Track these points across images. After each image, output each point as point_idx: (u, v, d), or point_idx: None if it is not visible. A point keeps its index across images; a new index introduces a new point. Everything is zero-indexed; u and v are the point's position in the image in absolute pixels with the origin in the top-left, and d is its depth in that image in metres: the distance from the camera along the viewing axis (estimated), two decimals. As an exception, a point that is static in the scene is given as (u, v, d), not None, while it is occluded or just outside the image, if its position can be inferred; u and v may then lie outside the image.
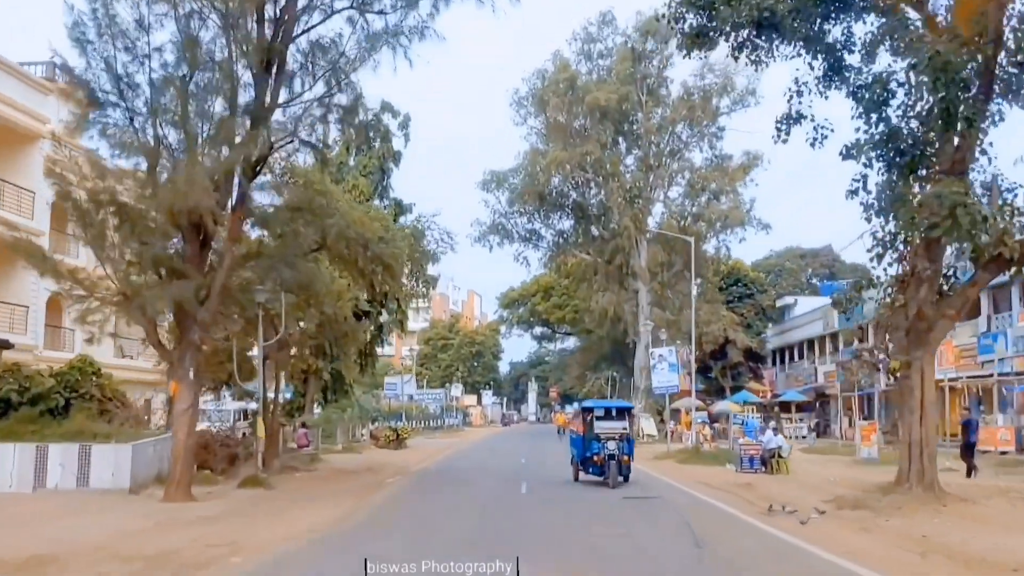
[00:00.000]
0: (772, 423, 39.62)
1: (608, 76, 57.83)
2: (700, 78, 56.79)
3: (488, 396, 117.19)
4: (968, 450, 25.83)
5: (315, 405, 50.23)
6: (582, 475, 25.13)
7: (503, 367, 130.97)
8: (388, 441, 47.46)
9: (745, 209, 56.46)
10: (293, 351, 36.54)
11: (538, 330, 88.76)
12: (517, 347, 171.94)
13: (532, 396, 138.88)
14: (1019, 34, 16.88)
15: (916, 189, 18.64)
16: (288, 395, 51.95)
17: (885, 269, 19.19)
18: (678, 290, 59.97)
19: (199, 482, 24.23)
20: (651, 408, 58.60)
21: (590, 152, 55.75)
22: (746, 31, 18.61)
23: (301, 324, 36.43)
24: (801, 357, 69.95)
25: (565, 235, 62.28)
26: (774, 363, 74.49)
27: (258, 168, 22.66)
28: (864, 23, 19.26)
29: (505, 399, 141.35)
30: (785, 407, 60.38)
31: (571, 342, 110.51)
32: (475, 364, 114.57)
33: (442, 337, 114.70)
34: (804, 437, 54.97)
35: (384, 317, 48.99)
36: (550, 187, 59.96)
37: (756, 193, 60.03)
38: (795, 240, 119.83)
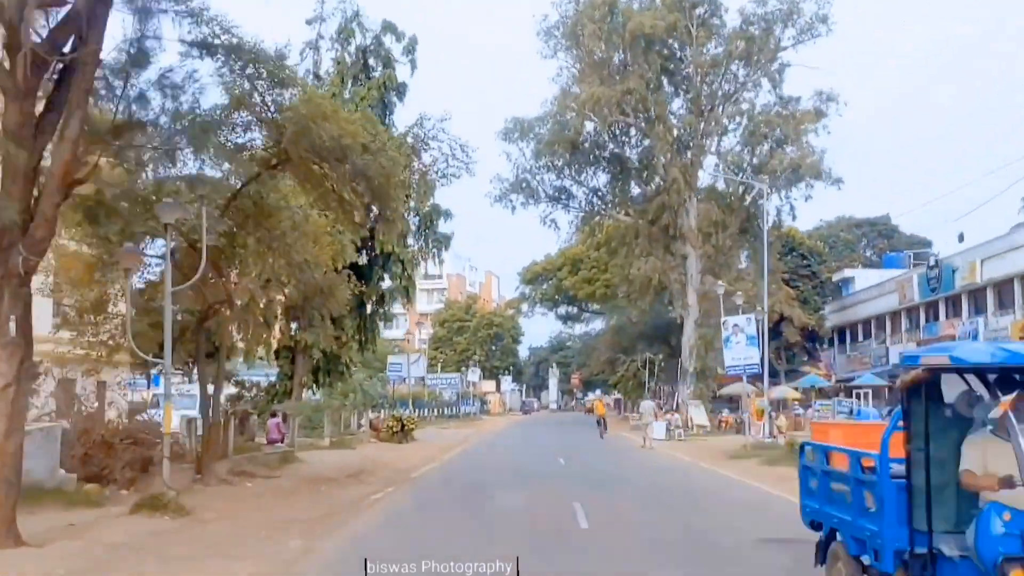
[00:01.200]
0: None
1: (653, 2, 48.57)
2: (760, 3, 47.49)
3: (507, 382, 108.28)
4: None
5: (307, 390, 41.54)
6: None
7: (522, 352, 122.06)
8: (391, 433, 38.72)
9: (818, 160, 47.13)
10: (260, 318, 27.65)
11: (563, 310, 79.61)
12: (537, 331, 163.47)
13: (553, 383, 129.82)
14: None
15: None
16: (271, 378, 43.49)
17: None
18: (734, 255, 50.86)
19: (78, 502, 15.53)
20: (702, 395, 49.66)
21: (632, 90, 46.57)
22: None
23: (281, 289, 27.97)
24: (867, 336, 60.89)
25: (600, 193, 53.12)
26: (831, 344, 65.46)
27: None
28: None
29: (524, 386, 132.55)
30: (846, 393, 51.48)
31: (597, 324, 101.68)
32: (493, 348, 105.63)
33: (458, 319, 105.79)
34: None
35: (386, 283, 40.13)
36: (583, 136, 50.83)
37: (827, 143, 50.24)
38: (844, 209, 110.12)
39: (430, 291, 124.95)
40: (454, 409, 74.09)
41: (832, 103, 47.46)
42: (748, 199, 49.73)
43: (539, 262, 74.91)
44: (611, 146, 51.47)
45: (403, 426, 38.51)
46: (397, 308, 47.09)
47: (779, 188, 49.44)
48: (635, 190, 53.17)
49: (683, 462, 30.31)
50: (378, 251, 38.90)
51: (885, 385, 50.74)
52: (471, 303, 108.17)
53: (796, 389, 56.27)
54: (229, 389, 47.03)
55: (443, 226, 40.78)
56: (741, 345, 30.50)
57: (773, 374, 62.88)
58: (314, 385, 40.44)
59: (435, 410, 70.98)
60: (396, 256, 38.52)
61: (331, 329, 39.37)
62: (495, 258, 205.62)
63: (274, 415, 29.04)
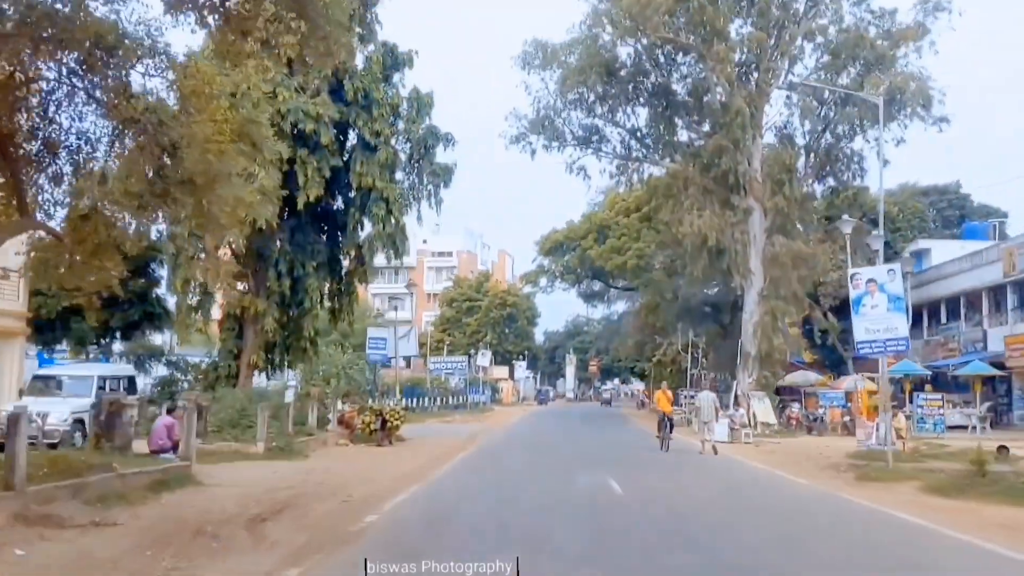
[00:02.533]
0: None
1: None
2: None
3: (521, 369, 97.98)
4: None
5: (260, 372, 31.55)
6: None
7: (537, 336, 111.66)
8: (368, 432, 28.54)
9: (924, 84, 36.53)
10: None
11: (586, 287, 69.04)
12: (554, 312, 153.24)
13: (570, 370, 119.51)
14: None
15: None
16: (211, 357, 33.62)
17: None
18: (808, 210, 40.45)
19: None
20: (768, 385, 39.40)
21: (684, -2, 36.16)
22: None
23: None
24: (953, 317, 50.48)
25: (640, 134, 42.59)
26: (904, 326, 54.97)
27: None
28: None
29: (540, 373, 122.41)
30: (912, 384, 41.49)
31: (620, 306, 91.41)
32: (507, 331, 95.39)
33: (468, 298, 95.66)
34: (975, 427, 36.03)
35: (367, 229, 30.03)
36: (621, 63, 40.48)
37: (932, 66, 38.50)
38: (902, 174, 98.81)
39: (438, 269, 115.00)
40: (461, 398, 64.06)
41: (941, 13, 36.88)
42: (828, 138, 39.31)
43: (560, 230, 64.56)
44: (654, 76, 40.97)
45: (384, 422, 28.33)
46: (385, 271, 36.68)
47: (865, 126, 39.01)
48: (683, 135, 42.72)
49: (788, 483, 20.20)
50: (354, 187, 28.77)
51: (990, 375, 40.49)
52: (483, 280, 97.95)
53: (873, 379, 46.04)
54: (160, 371, 37.14)
55: (442, 155, 30.62)
56: (880, 309, 20.02)
57: (836, 362, 52.72)
58: (271, 367, 30.48)
59: (439, 400, 60.99)
60: (379, 193, 28.39)
61: (310, 298, 29.49)
62: (510, 237, 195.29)
63: (171, 411, 18.84)
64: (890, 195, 66.33)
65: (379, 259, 30.60)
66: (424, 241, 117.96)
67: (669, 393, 28.99)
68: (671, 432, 28.82)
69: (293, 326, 30.14)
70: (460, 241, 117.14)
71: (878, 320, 20.80)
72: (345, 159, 29.53)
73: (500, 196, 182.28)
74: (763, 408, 38.11)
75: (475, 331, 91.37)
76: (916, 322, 53.97)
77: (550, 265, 64.91)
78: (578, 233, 62.57)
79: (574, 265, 62.83)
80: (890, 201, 60.87)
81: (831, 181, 40.89)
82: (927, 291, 51.88)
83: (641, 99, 41.66)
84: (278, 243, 29.03)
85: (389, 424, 28.51)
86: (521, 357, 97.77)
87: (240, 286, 29.87)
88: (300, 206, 27.87)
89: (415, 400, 53.62)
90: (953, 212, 68.19)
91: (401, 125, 29.86)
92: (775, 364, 39.44)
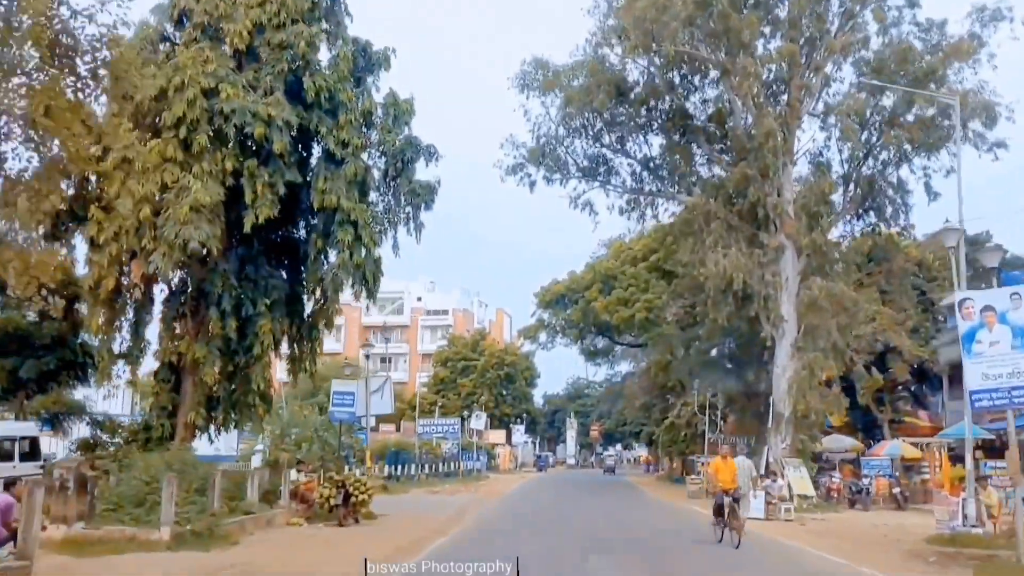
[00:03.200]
0: None
1: None
2: None
3: (519, 433, 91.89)
4: None
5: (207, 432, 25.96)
6: None
7: (536, 399, 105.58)
8: (327, 507, 22.88)
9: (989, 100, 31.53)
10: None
11: (589, 343, 63.42)
12: (552, 375, 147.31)
13: (571, 435, 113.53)
14: None
15: None
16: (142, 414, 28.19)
17: None
18: (850, 251, 35.24)
19: None
20: (804, 451, 33.77)
21: (707, 2, 31.39)
22: None
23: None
24: (1000, 376, 44.94)
25: (653, 165, 37.50)
26: (934, 386, 49.59)
27: None
28: None
29: (538, 438, 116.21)
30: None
31: (623, 367, 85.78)
32: (504, 392, 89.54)
33: (463, 357, 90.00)
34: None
35: (331, 258, 24.72)
36: (630, 81, 35.67)
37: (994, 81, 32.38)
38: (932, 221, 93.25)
39: (433, 328, 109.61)
40: (453, 465, 58.12)
41: (998, 24, 32.10)
42: (872, 165, 34.33)
43: (561, 281, 59.23)
44: (669, 99, 36.06)
45: (347, 496, 22.67)
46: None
47: (910, 153, 34.05)
48: (702, 167, 37.69)
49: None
50: (316, 207, 23.67)
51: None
52: (479, 338, 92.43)
53: (918, 446, 40.41)
54: (82, 431, 31.44)
55: (423, 171, 25.54)
56: (1001, 346, 14.73)
57: (871, 425, 47.13)
58: (211, 425, 24.99)
59: (428, 466, 55.04)
60: (345, 215, 23.23)
61: (261, 344, 24.09)
62: (508, 296, 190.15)
63: (8, 487, 13.32)
64: (919, 243, 61.47)
65: (346, 295, 25.13)
66: (419, 299, 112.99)
67: (733, 462, 21.97)
68: (739, 518, 20.32)
69: (240, 377, 24.66)
70: (456, 299, 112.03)
71: (1000, 361, 15.36)
72: (306, 175, 24.43)
73: (498, 250, 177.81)
74: (800, 478, 32.43)
75: (470, 392, 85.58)
76: (950, 380, 48.58)
77: (550, 319, 59.51)
78: (581, 284, 57.31)
79: (576, 319, 57.46)
80: (921, 247, 55.90)
81: (872, 217, 35.75)
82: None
83: (654, 125, 36.74)
84: (222, 276, 23.73)
85: (354, 498, 22.85)
86: (519, 420, 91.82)
87: (176, 325, 24.58)
88: (248, 228, 22.64)
89: (399, 467, 47.77)
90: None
91: (374, 135, 24.77)
92: (812, 427, 33.86)
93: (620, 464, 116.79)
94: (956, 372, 47.00)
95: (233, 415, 24.97)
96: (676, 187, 36.86)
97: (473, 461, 65.59)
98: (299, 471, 23.80)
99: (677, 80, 35.93)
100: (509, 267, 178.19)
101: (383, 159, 24.92)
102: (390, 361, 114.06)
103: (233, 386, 24.90)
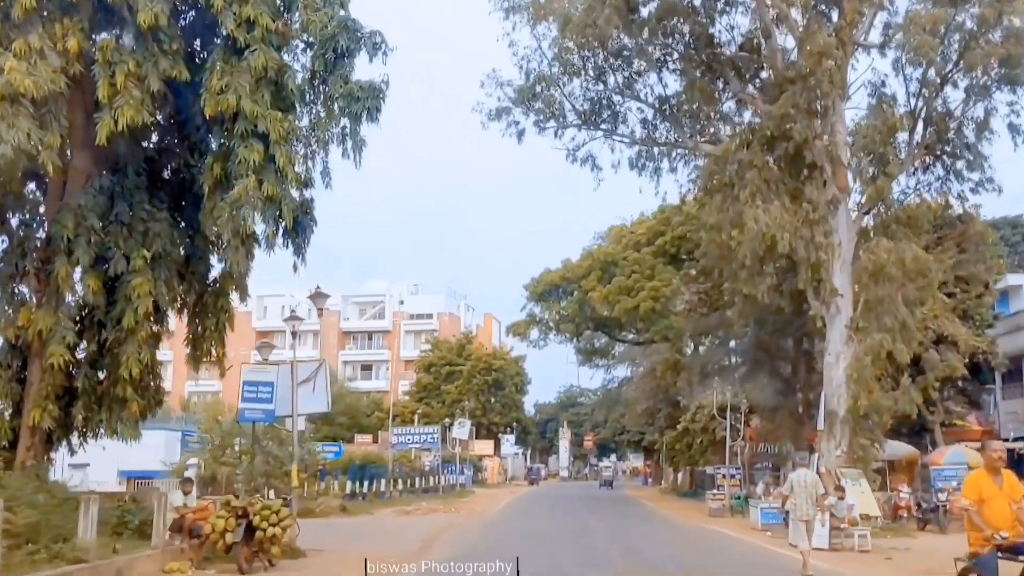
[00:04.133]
0: None
1: None
2: None
3: (508, 444, 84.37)
4: None
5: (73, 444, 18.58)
6: None
7: (527, 407, 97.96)
8: (223, 547, 15.53)
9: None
10: None
11: (587, 339, 55.95)
12: (543, 381, 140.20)
13: (564, 445, 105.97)
14: None
15: None
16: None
17: None
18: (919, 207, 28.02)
19: None
20: (865, 460, 26.46)
21: None
22: None
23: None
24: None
25: (670, 108, 30.11)
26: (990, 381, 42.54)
27: None
28: None
29: (530, 449, 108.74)
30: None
31: (619, 372, 78.44)
32: (492, 400, 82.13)
33: (448, 362, 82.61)
34: None
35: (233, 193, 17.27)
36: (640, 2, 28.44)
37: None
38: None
39: (417, 333, 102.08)
40: (432, 480, 50.81)
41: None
42: (938, 102, 27.17)
43: (555, 270, 51.93)
44: (690, 26, 28.78)
45: (250, 524, 15.29)
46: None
47: (977, 92, 26.94)
48: (730, 113, 30.45)
49: None
50: (208, 114, 16.34)
51: None
52: (465, 342, 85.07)
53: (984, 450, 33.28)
54: None
55: (367, 68, 18.28)
56: None
57: (918, 428, 39.94)
58: (68, 427, 17.56)
59: (404, 482, 47.66)
60: (250, 124, 15.85)
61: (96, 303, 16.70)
62: (497, 301, 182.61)
63: None
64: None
65: (259, 237, 17.70)
66: (401, 303, 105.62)
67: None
68: None
69: (109, 360, 17.32)
70: (441, 303, 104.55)
71: None
72: (199, 73, 17.11)
73: (486, 251, 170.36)
74: (861, 493, 25.13)
75: (456, 400, 78.08)
76: (1009, 376, 41.65)
77: (543, 314, 52.22)
78: (577, 273, 49.97)
79: (572, 312, 50.14)
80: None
81: (939, 169, 28.55)
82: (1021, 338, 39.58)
83: (671, 61, 29.48)
84: (76, 215, 16.44)
85: (260, 532, 15.47)
86: (509, 430, 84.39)
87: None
88: (103, 139, 15.38)
89: (367, 483, 40.33)
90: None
91: (298, 16, 17.46)
92: (873, 429, 26.61)
93: (616, 476, 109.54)
94: (1016, 367, 40.45)
95: (100, 414, 17.56)
96: (699, 135, 29.58)
97: (457, 475, 58.26)
98: (185, 492, 16.43)
99: (698, 1, 28.74)
100: (499, 270, 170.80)
101: (308, 50, 17.61)
102: (371, 368, 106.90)
103: (100, 373, 17.57)
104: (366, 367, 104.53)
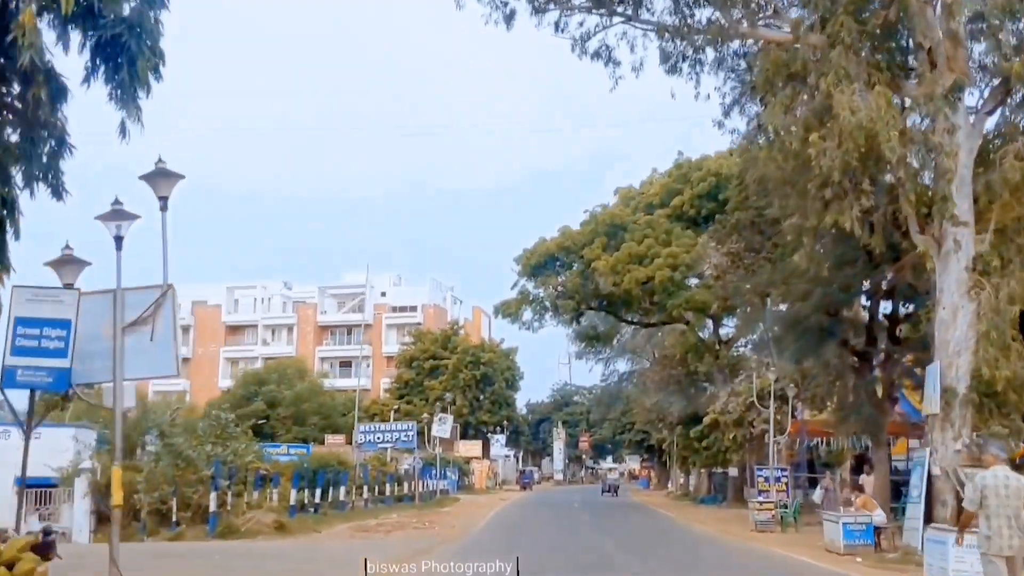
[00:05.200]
0: None
1: None
2: None
3: (498, 444, 76.12)
4: None
5: None
6: None
7: (519, 406, 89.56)
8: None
9: None
10: None
11: (588, 321, 47.66)
12: (535, 380, 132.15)
13: (558, 447, 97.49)
14: None
15: None
16: None
17: None
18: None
19: None
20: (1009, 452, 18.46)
21: None
22: None
23: None
24: None
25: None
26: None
27: None
28: None
29: (522, 451, 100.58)
30: None
31: (622, 365, 70.56)
32: (480, 396, 74.03)
33: (432, 355, 74.53)
34: None
35: None
36: None
37: None
38: None
39: (400, 327, 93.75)
40: (409, 486, 42.80)
41: None
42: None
43: (552, 239, 43.80)
44: None
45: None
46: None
47: None
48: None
49: None
50: None
51: None
52: (450, 334, 77.05)
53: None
54: None
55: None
56: None
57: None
58: None
59: (373, 489, 39.59)
60: None
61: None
62: (488, 295, 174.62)
63: None
64: None
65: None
66: (383, 294, 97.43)
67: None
68: None
69: None
70: (426, 294, 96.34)
71: None
72: None
73: (479, 243, 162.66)
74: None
75: (440, 396, 69.90)
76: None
77: (537, 291, 44.19)
78: (578, 241, 41.90)
79: (573, 287, 42.11)
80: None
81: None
82: None
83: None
84: None
85: None
86: (499, 430, 76.24)
87: None
88: None
89: (323, 492, 32.13)
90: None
91: None
92: (1011, 412, 18.67)
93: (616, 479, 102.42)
94: None
95: None
96: (752, 20, 21.52)
97: (438, 479, 50.19)
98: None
99: None
100: (493, 264, 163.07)
101: None
102: (350, 365, 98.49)
103: None
104: (345, 364, 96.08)
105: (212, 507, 23.45)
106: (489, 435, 74.66)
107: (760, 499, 27.59)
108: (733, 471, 42.81)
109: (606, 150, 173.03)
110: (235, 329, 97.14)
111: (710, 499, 46.42)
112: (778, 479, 29.15)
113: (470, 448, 69.29)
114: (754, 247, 29.57)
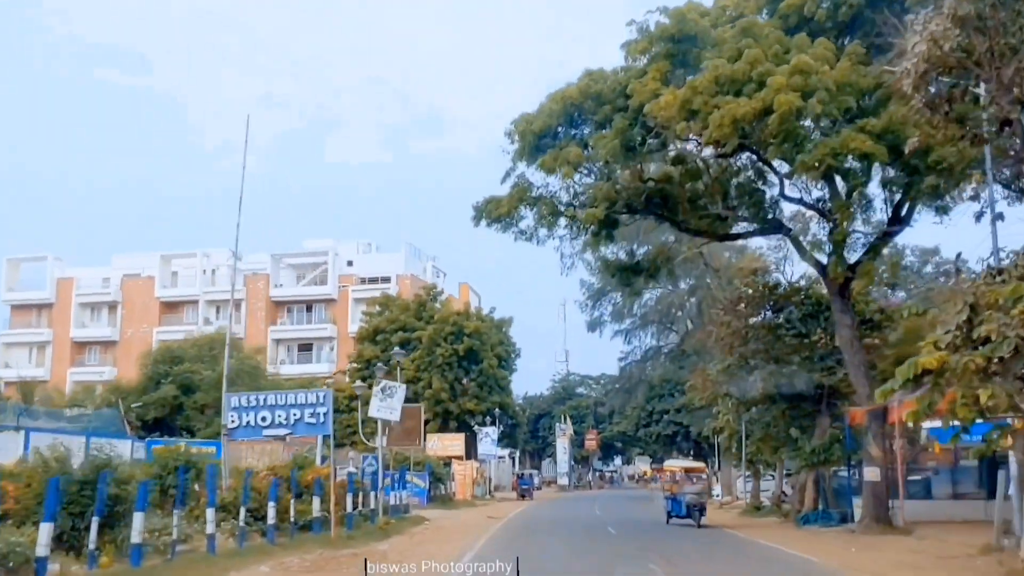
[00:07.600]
0: None
1: None
2: None
3: (488, 441, 57.28)
4: None
5: None
6: None
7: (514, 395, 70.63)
8: None
9: None
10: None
11: (632, 231, 29.40)
12: (530, 369, 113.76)
13: (562, 444, 78.73)
14: None
15: None
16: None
17: None
18: None
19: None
20: None
21: None
22: None
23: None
24: None
25: None
26: None
27: None
28: None
29: (519, 451, 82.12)
30: None
31: (648, 338, 52.75)
32: (462, 378, 55.53)
33: (401, 326, 56.22)
34: None
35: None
36: None
37: None
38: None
39: (370, 301, 74.47)
40: (361, 501, 24.68)
41: None
42: None
43: (571, 85, 25.69)
44: None
45: None
46: None
47: None
48: None
49: None
50: None
51: None
52: (425, 299, 58.82)
53: None
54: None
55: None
56: None
57: None
58: None
59: (256, 512, 21.37)
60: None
61: None
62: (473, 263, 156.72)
63: None
64: None
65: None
66: (349, 263, 79.19)
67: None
68: None
69: None
70: (401, 263, 78.11)
71: None
72: None
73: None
74: None
75: (413, 378, 51.59)
76: None
77: (547, 178, 25.99)
78: (617, 79, 23.98)
79: (604, 153, 23.83)
80: None
81: None
82: None
83: None
84: None
85: None
86: (489, 421, 57.61)
87: None
88: None
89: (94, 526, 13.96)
90: None
91: None
92: None
93: (619, 483, 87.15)
94: None
95: None
96: None
97: (395, 489, 31.94)
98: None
99: None
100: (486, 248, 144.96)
101: None
102: (310, 348, 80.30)
103: None
104: (304, 347, 77.87)
105: None
106: (476, 428, 56.12)
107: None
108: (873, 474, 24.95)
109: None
110: (171, 306, 78.65)
111: (822, 516, 28.53)
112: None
113: (448, 444, 50.91)
114: None
